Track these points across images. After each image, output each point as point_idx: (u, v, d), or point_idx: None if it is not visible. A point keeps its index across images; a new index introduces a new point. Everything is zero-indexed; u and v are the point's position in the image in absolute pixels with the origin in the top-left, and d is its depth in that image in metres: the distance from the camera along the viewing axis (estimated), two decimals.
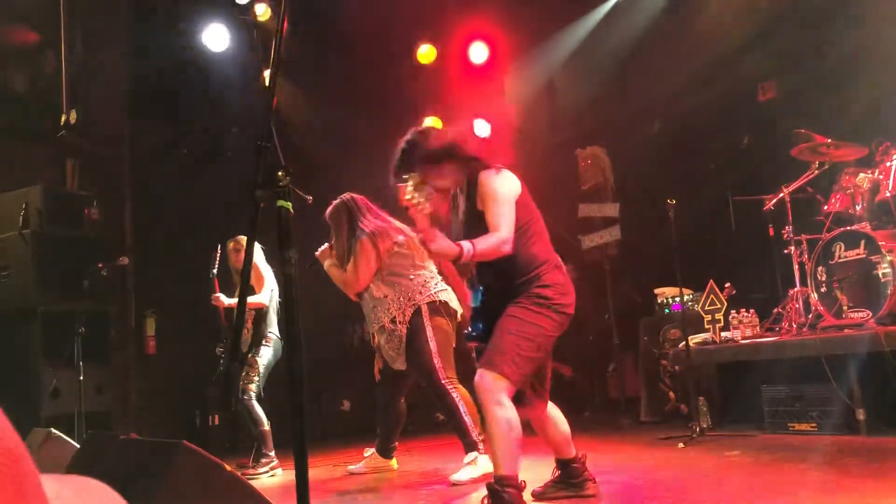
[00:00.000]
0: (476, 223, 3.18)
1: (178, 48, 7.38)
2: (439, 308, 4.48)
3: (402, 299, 4.49)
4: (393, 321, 4.50)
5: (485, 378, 3.02)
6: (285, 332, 1.46)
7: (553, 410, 3.48)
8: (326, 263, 4.71)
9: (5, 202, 5.77)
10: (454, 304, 4.56)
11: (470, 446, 4.37)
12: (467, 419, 4.36)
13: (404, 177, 3.14)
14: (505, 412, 2.99)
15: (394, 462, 4.99)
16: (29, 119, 7.12)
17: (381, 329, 4.60)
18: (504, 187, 3.20)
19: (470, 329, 3.37)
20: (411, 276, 4.51)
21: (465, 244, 3.02)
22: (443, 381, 4.39)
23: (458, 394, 4.38)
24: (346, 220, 4.66)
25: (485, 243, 3.06)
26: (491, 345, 3.10)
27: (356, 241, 4.55)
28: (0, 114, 6.98)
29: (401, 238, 4.56)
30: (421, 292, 4.48)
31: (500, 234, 3.09)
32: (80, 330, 5.24)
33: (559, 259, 3.33)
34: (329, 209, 4.75)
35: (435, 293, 4.51)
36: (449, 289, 4.59)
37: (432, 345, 4.39)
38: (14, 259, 5.61)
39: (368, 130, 8.11)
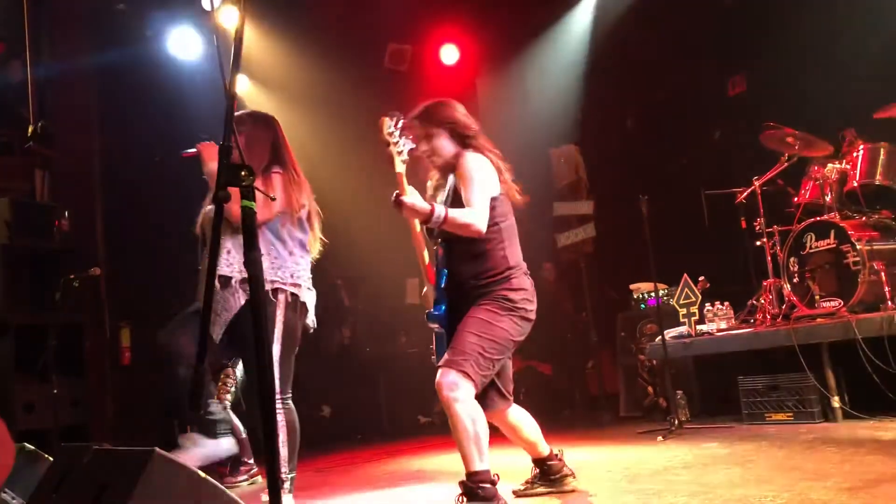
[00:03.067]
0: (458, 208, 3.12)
1: (145, 56, 7.32)
2: (298, 308, 3.55)
3: (267, 266, 3.46)
4: (242, 282, 3.44)
5: (447, 376, 2.99)
6: (252, 334, 1.43)
7: (518, 412, 3.45)
8: (214, 166, 3.34)
9: None
10: (312, 316, 3.67)
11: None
12: (283, 451, 3.36)
13: (390, 112, 3.13)
14: (468, 409, 2.97)
15: None
16: None
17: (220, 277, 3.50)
18: (483, 173, 3.18)
19: (433, 310, 3.28)
20: (291, 251, 3.58)
21: (438, 206, 3.00)
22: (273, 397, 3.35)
23: (285, 417, 3.43)
24: (270, 140, 3.62)
25: (457, 213, 3.04)
26: (453, 344, 3.08)
27: (277, 172, 3.55)
28: None
29: (311, 206, 3.71)
30: (292, 276, 3.53)
31: (475, 211, 3.06)
32: (51, 342, 5.18)
33: (526, 266, 3.32)
34: (247, 112, 3.74)
35: (304, 289, 3.59)
36: (314, 294, 3.69)
37: (277, 347, 3.41)
38: None
39: (340, 134, 8.09)
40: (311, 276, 3.67)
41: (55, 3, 7.17)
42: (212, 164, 3.52)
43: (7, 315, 5.44)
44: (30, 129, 6.73)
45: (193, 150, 3.60)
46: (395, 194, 3.04)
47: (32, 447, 3.62)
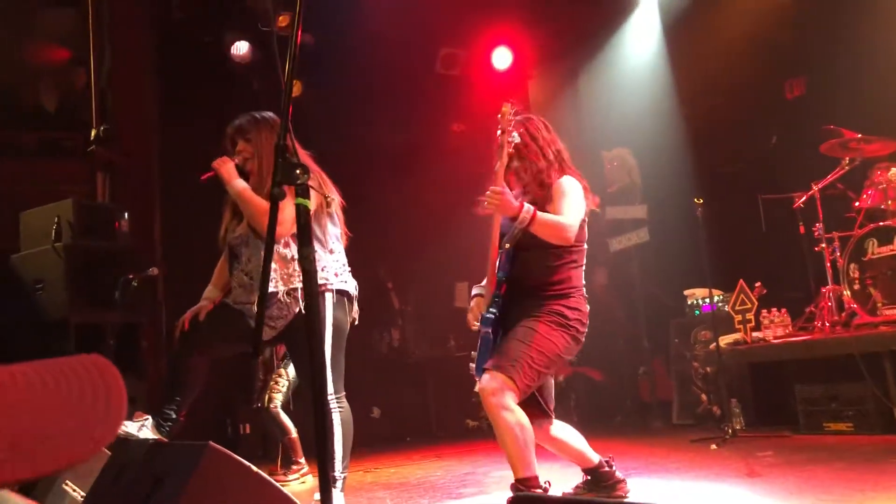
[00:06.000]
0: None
1: (203, 60, 7.49)
2: (345, 302, 3.49)
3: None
4: (289, 294, 3.42)
5: (492, 381, 2.95)
6: (305, 326, 1.44)
7: (561, 426, 3.40)
8: (239, 185, 3.45)
9: (38, 216, 5.85)
10: (355, 304, 3.58)
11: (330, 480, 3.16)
12: (338, 450, 3.32)
13: (511, 99, 3.15)
14: (514, 415, 2.94)
15: None
16: (60, 135, 7.25)
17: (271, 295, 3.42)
18: (579, 195, 3.21)
19: (486, 312, 3.23)
20: (331, 249, 3.49)
21: (528, 205, 3.01)
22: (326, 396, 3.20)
23: (341, 416, 3.37)
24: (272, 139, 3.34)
25: (548, 216, 3.05)
26: (501, 350, 3.05)
27: None
28: (33, 131, 7.12)
29: (336, 198, 3.55)
30: (336, 274, 3.46)
31: (566, 218, 3.08)
32: (110, 341, 5.31)
33: (585, 291, 3.30)
34: (247, 119, 3.58)
35: (347, 281, 3.53)
36: (356, 283, 3.60)
37: (328, 346, 3.37)
38: (47, 272, 5.68)
39: (392, 139, 8.15)
40: (349, 268, 3.59)
41: (117, 11, 7.38)
42: (235, 183, 3.47)
43: (68, 313, 5.59)
44: (92, 133, 6.95)
45: (210, 172, 3.53)
46: (491, 189, 3.02)
47: None
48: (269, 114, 3.59)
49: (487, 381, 2.97)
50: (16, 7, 7.27)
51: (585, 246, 3.29)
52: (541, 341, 3.04)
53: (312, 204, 3.31)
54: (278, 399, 5.49)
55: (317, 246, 3.40)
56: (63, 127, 7.33)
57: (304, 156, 3.44)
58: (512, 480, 3.04)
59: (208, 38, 7.61)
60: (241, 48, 7.59)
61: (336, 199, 3.55)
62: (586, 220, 3.27)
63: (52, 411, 0.78)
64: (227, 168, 3.49)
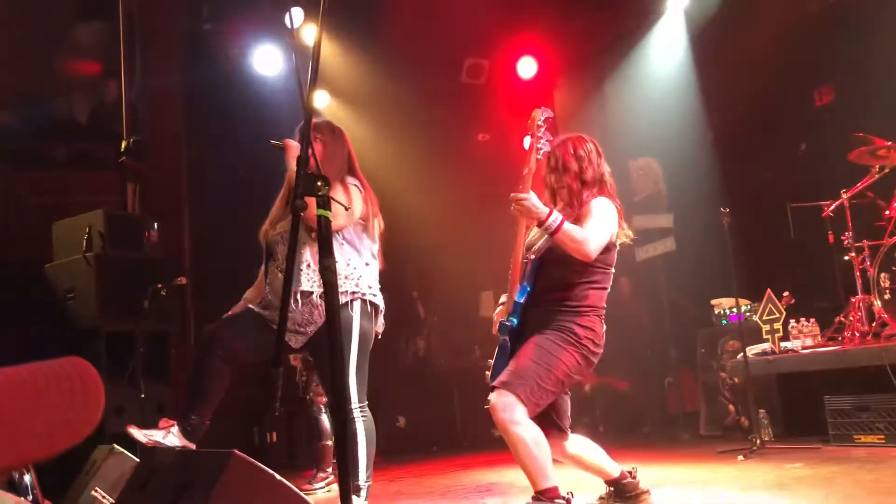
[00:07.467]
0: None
1: (231, 73, 7.59)
2: (372, 313, 3.55)
3: (342, 278, 3.47)
4: (321, 297, 3.37)
5: (501, 399, 2.94)
6: (327, 340, 1.46)
7: (578, 442, 3.36)
8: (293, 164, 3.27)
9: (71, 227, 5.96)
10: (381, 321, 3.63)
11: (353, 489, 3.28)
12: (362, 459, 3.36)
13: (543, 107, 3.18)
14: (526, 429, 2.92)
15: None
16: (91, 147, 7.38)
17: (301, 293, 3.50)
18: (610, 217, 3.15)
19: (505, 320, 3.23)
20: (367, 262, 3.58)
21: (557, 213, 2.98)
22: (349, 406, 3.30)
23: (364, 425, 3.38)
24: (347, 152, 3.65)
25: (573, 228, 2.99)
26: (510, 367, 3.03)
27: (354, 183, 3.57)
28: (65, 143, 7.27)
29: (378, 217, 3.67)
30: (369, 286, 3.53)
31: (591, 234, 3.02)
32: (140, 349, 5.38)
33: (603, 313, 3.24)
34: (325, 121, 3.75)
35: (377, 295, 3.59)
36: (383, 303, 3.64)
37: (353, 355, 3.41)
38: (79, 281, 5.79)
39: (417, 148, 8.18)
40: (380, 284, 3.65)
41: (147, 25, 7.51)
42: (293, 163, 3.40)
43: (99, 322, 5.68)
44: (123, 145, 7.07)
45: (280, 142, 3.56)
46: (516, 193, 3.01)
47: (121, 448, 3.78)
48: (341, 129, 3.71)
49: (497, 399, 2.95)
50: (49, 21, 7.43)
51: (609, 272, 3.22)
52: (550, 360, 3.01)
53: (354, 216, 3.45)
54: (322, 403, 5.48)
55: (354, 255, 3.51)
56: (94, 138, 7.46)
57: (359, 171, 3.64)
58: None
59: (235, 50, 7.71)
60: (268, 60, 7.69)
61: (380, 218, 3.64)
62: (616, 244, 3.20)
63: (36, 407, 0.89)
64: (295, 149, 3.51)
